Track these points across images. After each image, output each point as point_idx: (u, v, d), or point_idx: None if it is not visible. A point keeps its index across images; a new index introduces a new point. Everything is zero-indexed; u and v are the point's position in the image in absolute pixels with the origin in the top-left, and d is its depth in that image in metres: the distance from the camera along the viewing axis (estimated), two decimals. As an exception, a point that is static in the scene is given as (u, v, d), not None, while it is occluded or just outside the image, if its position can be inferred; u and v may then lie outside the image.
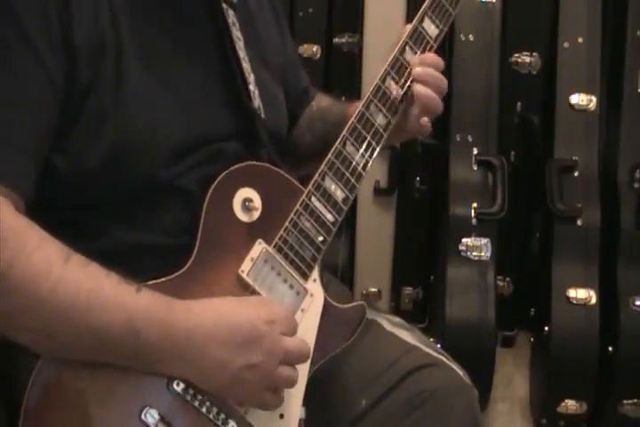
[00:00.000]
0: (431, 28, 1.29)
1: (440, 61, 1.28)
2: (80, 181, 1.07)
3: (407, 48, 1.26)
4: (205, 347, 1.01)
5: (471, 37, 2.29)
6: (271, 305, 1.09)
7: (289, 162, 1.25)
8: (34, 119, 1.03)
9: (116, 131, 1.06)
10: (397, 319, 1.38)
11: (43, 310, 0.97)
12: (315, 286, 1.17)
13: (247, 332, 1.03)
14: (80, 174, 1.07)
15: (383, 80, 1.23)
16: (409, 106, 1.25)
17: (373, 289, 2.42)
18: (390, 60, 1.24)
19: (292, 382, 1.08)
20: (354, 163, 1.20)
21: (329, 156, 1.18)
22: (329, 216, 1.17)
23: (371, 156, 1.21)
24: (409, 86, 1.25)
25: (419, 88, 1.24)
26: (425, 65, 1.25)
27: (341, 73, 2.40)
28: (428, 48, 1.28)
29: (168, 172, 1.10)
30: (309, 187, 1.16)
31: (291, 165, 1.25)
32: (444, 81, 1.27)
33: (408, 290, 2.44)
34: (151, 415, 1.00)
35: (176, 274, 1.06)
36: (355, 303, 1.24)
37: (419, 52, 1.27)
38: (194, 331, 1.01)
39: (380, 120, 1.23)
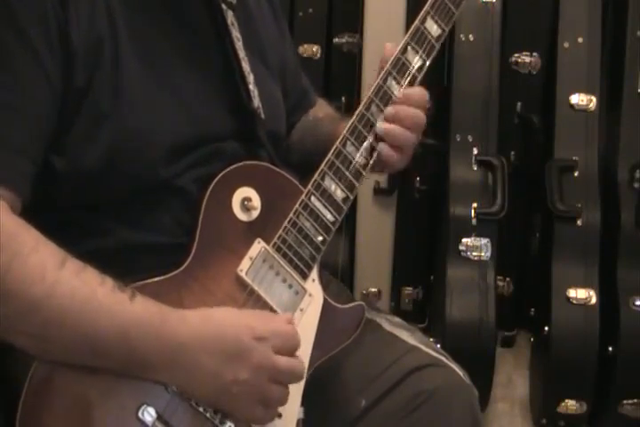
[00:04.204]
0: (433, 28, 1.28)
1: (420, 96, 1.26)
2: (79, 182, 1.07)
3: (409, 48, 1.26)
4: (197, 357, 1.01)
5: (471, 37, 2.29)
6: (268, 320, 1.08)
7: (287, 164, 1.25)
8: (32, 120, 1.03)
9: (114, 131, 1.06)
10: (397, 319, 1.37)
11: (37, 315, 0.97)
12: (314, 285, 1.17)
13: (233, 345, 1.03)
14: (79, 175, 1.07)
15: (384, 80, 1.23)
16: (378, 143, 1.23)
17: (373, 289, 2.42)
18: (392, 60, 1.24)
19: (282, 401, 1.07)
20: (354, 163, 1.20)
21: (329, 155, 1.18)
22: (329, 216, 1.17)
23: (371, 156, 1.21)
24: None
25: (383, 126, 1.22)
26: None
27: (341, 73, 2.40)
28: (429, 48, 1.28)
29: (166, 171, 1.10)
30: (309, 186, 1.16)
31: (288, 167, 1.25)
32: (417, 117, 1.24)
33: (408, 290, 2.44)
34: (148, 413, 1.00)
35: (174, 272, 1.06)
36: (354, 304, 1.24)
37: (421, 53, 1.26)
38: (186, 341, 1.01)
39: (380, 120, 1.23)
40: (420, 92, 1.26)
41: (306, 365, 1.12)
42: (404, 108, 1.23)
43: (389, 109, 1.22)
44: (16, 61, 1.02)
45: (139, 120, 1.08)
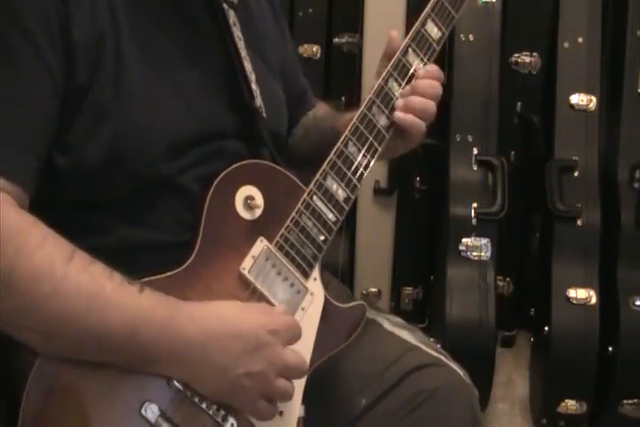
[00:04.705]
0: (434, 31, 1.29)
1: (438, 72, 1.28)
2: (81, 179, 1.07)
3: (410, 50, 1.26)
4: (206, 352, 1.01)
5: (471, 37, 2.29)
6: (275, 314, 1.09)
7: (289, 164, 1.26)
8: (35, 116, 1.03)
9: (115, 128, 1.06)
10: (397, 319, 1.38)
11: (44, 311, 0.97)
12: (315, 284, 1.17)
13: (250, 340, 1.04)
14: (80, 172, 1.07)
15: (386, 81, 1.24)
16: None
17: (373, 289, 2.42)
18: (393, 61, 1.25)
19: (288, 396, 1.08)
20: (355, 163, 1.20)
21: (331, 155, 1.18)
22: (330, 215, 1.18)
23: (372, 156, 1.22)
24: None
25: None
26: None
27: (341, 73, 2.40)
28: (430, 50, 1.28)
29: (167, 168, 1.10)
30: (311, 186, 1.16)
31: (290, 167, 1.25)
32: (436, 89, 1.26)
33: (408, 290, 2.44)
34: (151, 411, 1.00)
35: (177, 270, 1.06)
36: (355, 303, 1.24)
37: (421, 55, 1.27)
38: (195, 336, 1.01)
39: (382, 121, 1.23)
40: (437, 69, 1.28)
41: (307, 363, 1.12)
42: (426, 81, 1.25)
43: (410, 85, 1.25)
44: (18, 57, 1.02)
45: (140, 118, 1.08)
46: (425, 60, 1.28)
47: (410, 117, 1.23)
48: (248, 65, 1.19)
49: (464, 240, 2.20)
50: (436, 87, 1.26)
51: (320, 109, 1.47)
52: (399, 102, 1.24)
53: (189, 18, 1.16)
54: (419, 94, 1.24)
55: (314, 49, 2.36)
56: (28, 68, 1.03)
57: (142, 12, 1.11)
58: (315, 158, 1.22)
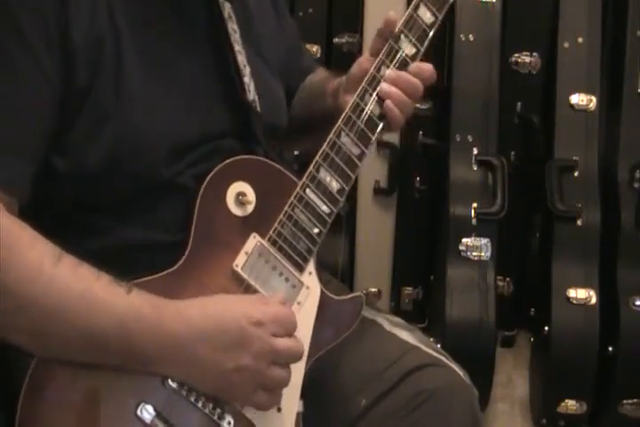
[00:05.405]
0: (427, 16, 1.26)
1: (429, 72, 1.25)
2: (81, 182, 1.07)
3: (402, 36, 1.24)
4: (194, 349, 1.01)
5: (471, 37, 2.29)
6: (265, 305, 1.08)
7: (289, 151, 1.25)
8: (31, 120, 1.03)
9: (116, 131, 1.06)
10: (397, 319, 1.37)
11: (34, 311, 0.97)
12: (310, 278, 1.17)
13: (234, 334, 1.03)
14: (80, 174, 1.07)
15: (378, 69, 1.22)
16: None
17: (373, 289, 2.42)
18: (385, 49, 1.23)
19: (284, 382, 1.07)
20: (349, 153, 1.19)
21: (323, 147, 1.17)
22: (324, 208, 1.17)
23: (366, 146, 1.21)
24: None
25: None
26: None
27: (341, 73, 2.39)
28: (422, 35, 1.25)
29: (168, 170, 1.10)
30: (304, 179, 1.15)
31: (291, 140, 1.27)
32: (414, 86, 1.23)
33: (408, 290, 2.44)
34: (147, 411, 1.00)
35: (170, 270, 1.06)
36: (352, 295, 1.23)
37: (414, 41, 1.24)
38: (183, 333, 1.01)
39: (374, 110, 1.22)
40: (430, 68, 1.25)
41: (304, 358, 1.12)
42: (411, 80, 1.22)
43: (391, 73, 1.22)
44: (15, 61, 1.02)
45: (140, 121, 1.07)
46: (418, 46, 1.25)
47: (397, 110, 1.21)
48: (242, 58, 1.19)
49: (464, 240, 2.20)
50: (418, 90, 1.23)
51: (317, 75, 1.45)
52: (383, 86, 1.21)
53: (188, 18, 1.16)
54: (400, 88, 1.21)
55: (314, 49, 2.35)
56: (24, 73, 1.02)
57: (141, 12, 1.10)
58: (307, 120, 1.21)
